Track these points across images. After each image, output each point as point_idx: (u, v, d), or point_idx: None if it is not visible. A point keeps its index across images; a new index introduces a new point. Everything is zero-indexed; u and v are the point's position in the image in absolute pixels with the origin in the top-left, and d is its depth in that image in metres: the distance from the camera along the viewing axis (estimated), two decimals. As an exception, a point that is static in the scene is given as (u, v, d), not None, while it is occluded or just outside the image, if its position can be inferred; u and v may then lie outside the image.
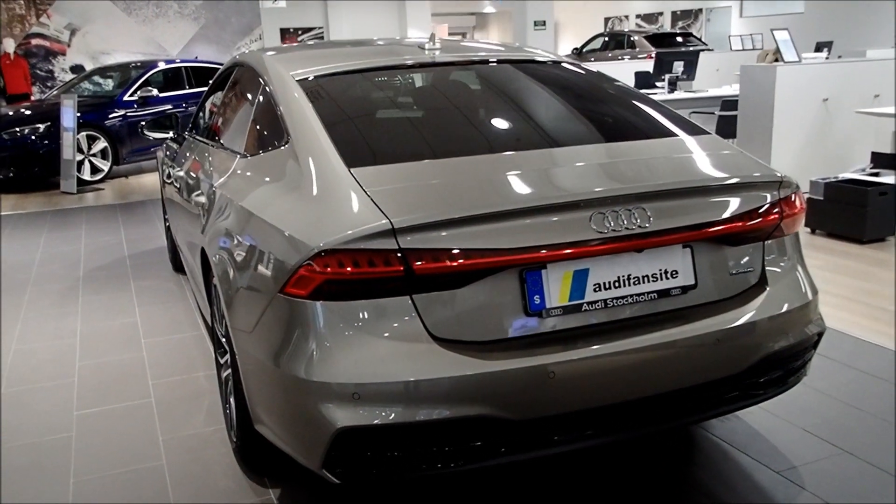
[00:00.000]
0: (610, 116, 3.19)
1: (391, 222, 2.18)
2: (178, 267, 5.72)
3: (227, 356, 3.01)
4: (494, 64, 3.42)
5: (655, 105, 3.19)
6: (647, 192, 2.40)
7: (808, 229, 6.24)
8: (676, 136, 2.90)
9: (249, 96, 3.50)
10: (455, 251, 2.21)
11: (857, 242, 5.92)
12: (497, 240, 2.24)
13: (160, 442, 3.30)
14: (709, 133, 2.95)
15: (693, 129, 2.97)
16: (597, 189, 2.39)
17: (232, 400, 2.98)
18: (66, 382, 3.96)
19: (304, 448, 2.36)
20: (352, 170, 2.45)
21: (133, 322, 4.84)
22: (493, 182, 2.44)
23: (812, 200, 6.20)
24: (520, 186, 2.44)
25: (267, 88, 3.20)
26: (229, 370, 3.00)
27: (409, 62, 3.34)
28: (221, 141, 3.78)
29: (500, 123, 3.06)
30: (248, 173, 3.03)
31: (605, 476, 2.92)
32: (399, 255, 2.19)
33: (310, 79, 3.11)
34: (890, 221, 5.96)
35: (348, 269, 2.19)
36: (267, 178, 2.85)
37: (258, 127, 3.21)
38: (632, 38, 18.53)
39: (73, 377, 4.02)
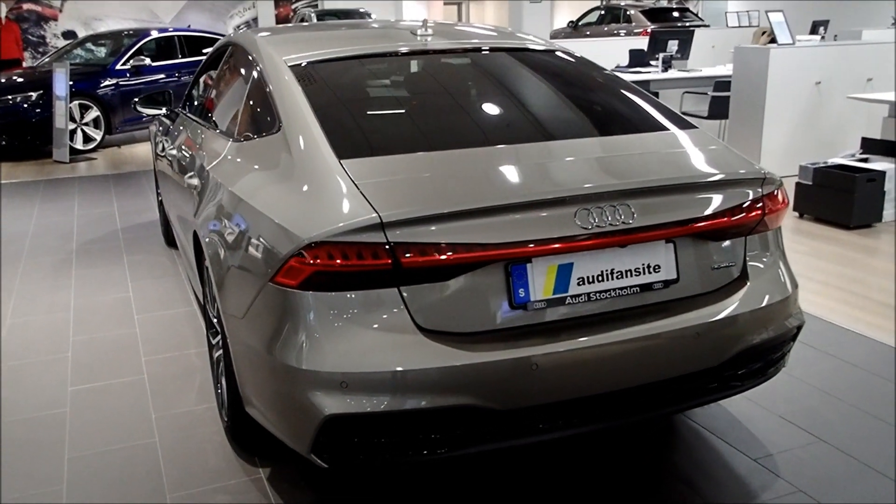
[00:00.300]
0: (598, 110, 3.23)
1: (380, 216, 2.23)
2: (171, 241, 5.75)
3: (219, 337, 3.06)
4: (486, 52, 3.45)
5: (644, 97, 3.23)
6: (631, 188, 2.45)
7: (796, 214, 6.30)
8: (663, 130, 2.95)
9: (242, 79, 3.52)
10: (442, 245, 2.26)
11: (844, 228, 5.99)
12: (483, 234, 2.29)
13: (153, 419, 3.36)
14: (695, 127, 2.99)
15: (680, 123, 3.01)
16: (581, 186, 2.45)
17: (223, 381, 3.04)
18: (61, 357, 4.02)
19: (293, 433, 2.43)
20: (342, 161, 2.50)
21: (126, 297, 4.89)
22: (480, 177, 2.49)
23: (800, 185, 6.26)
24: (506, 182, 2.49)
25: (260, 73, 3.23)
26: (221, 351, 3.06)
27: (402, 49, 3.36)
28: (214, 123, 3.80)
29: (489, 115, 3.10)
30: (240, 159, 3.07)
31: (585, 461, 2.99)
32: (387, 248, 2.24)
33: (302, 65, 3.14)
34: (877, 208, 6.02)
35: (337, 261, 2.24)
36: (259, 165, 2.89)
37: (250, 112, 3.24)
38: (628, 13, 18.43)
39: (68, 352, 4.08)
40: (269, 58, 3.25)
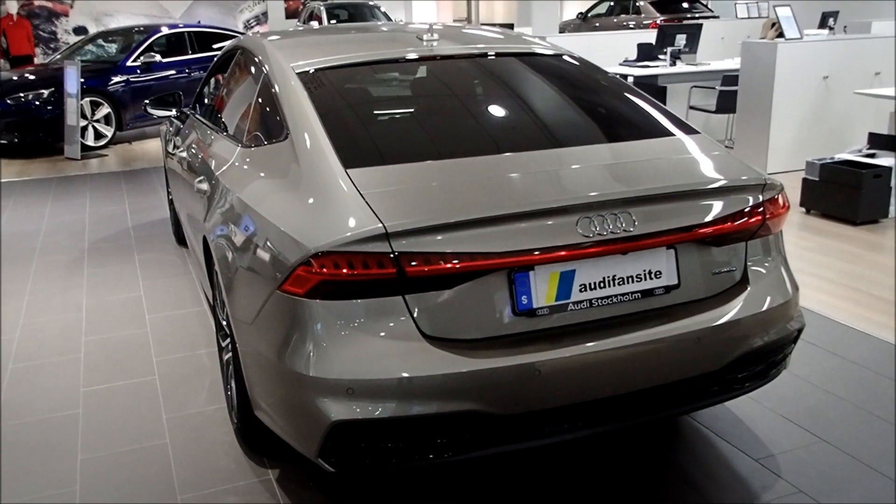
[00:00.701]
0: (601, 116, 3.26)
1: (385, 226, 2.28)
2: (181, 240, 5.81)
3: (229, 340, 3.12)
4: (492, 57, 3.47)
5: (648, 101, 3.25)
6: (632, 196, 2.49)
7: (803, 209, 6.30)
8: (666, 136, 2.97)
9: (251, 85, 3.56)
10: (446, 254, 2.30)
11: (851, 224, 5.99)
12: (487, 243, 2.33)
13: (164, 420, 3.42)
14: (697, 132, 3.02)
15: (683, 128, 3.04)
16: (583, 194, 2.48)
17: (233, 383, 3.10)
18: (73, 358, 4.08)
19: (301, 438, 2.49)
20: (348, 171, 2.54)
21: (137, 296, 4.95)
22: (484, 186, 2.52)
23: (807, 181, 6.27)
24: (510, 191, 2.52)
25: (268, 79, 3.27)
26: (230, 354, 3.11)
27: (408, 55, 3.38)
28: (223, 127, 3.85)
29: (493, 123, 3.13)
30: (248, 165, 3.12)
31: (588, 462, 3.03)
32: (392, 257, 2.28)
33: (310, 72, 3.18)
34: (884, 204, 6.03)
35: (343, 270, 2.29)
36: (266, 173, 2.93)
37: (258, 118, 3.28)
38: (637, 3, 18.36)
39: (80, 353, 4.14)
40: (277, 64, 3.29)
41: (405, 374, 2.30)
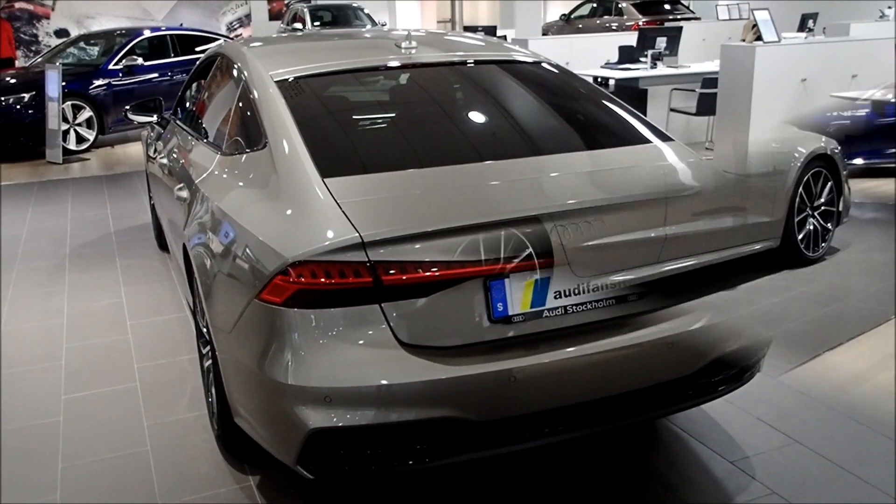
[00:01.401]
0: (579, 124, 3.29)
1: (360, 236, 2.30)
2: (163, 245, 5.81)
3: (209, 347, 3.13)
4: (471, 65, 3.50)
5: (624, 109, 3.29)
6: (605, 204, 2.53)
7: (782, 211, 6.37)
8: (641, 144, 3.01)
9: (230, 92, 3.57)
10: (422, 263, 2.33)
11: (828, 225, 6.05)
12: (462, 251, 2.36)
13: (145, 427, 3.43)
14: (672, 140, 3.06)
15: (658, 136, 3.07)
16: (556, 203, 2.52)
17: (213, 390, 3.11)
18: (54, 365, 4.08)
19: (280, 445, 2.51)
20: (326, 180, 2.57)
21: (118, 303, 4.95)
22: (459, 195, 2.55)
23: (785, 183, 6.32)
24: (484, 199, 2.55)
25: (247, 87, 3.29)
26: (210, 361, 3.13)
27: (388, 63, 3.40)
28: (203, 134, 3.86)
29: (470, 131, 3.17)
30: (227, 174, 3.14)
31: (566, 465, 3.07)
32: (368, 266, 2.31)
33: (289, 80, 3.19)
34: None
35: (321, 279, 2.31)
36: (245, 182, 2.95)
37: (238, 126, 3.30)
38: (619, 6, 18.46)
39: (61, 360, 4.14)
40: (256, 72, 3.31)
41: (383, 382, 2.33)
